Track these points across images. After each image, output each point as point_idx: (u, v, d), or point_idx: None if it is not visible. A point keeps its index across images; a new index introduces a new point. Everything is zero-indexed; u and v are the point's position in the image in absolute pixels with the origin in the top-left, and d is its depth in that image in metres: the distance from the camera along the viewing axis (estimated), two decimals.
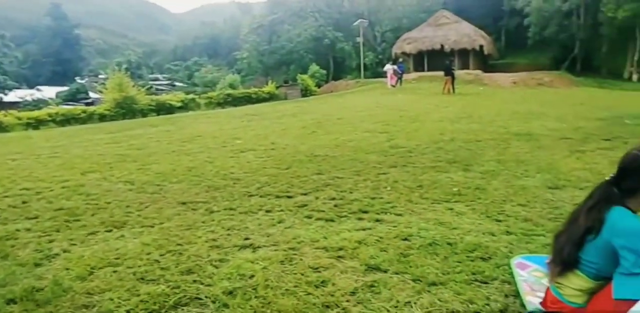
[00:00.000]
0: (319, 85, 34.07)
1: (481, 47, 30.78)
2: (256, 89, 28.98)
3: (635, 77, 29.98)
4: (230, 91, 29.03)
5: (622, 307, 1.71)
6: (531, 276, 2.42)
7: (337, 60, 46.86)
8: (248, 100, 25.96)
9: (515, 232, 3.23)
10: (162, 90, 48.02)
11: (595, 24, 31.26)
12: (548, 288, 2.08)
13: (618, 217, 1.81)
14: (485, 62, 33.62)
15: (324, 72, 41.01)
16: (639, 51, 29.94)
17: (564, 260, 1.95)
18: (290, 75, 41.97)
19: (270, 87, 28.87)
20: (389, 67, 24.71)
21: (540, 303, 2.12)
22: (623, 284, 1.72)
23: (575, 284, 1.93)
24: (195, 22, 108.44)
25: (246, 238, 3.24)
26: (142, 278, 2.66)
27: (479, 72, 29.01)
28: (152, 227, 3.61)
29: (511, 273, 2.53)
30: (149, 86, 36.08)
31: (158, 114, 20.94)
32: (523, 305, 2.21)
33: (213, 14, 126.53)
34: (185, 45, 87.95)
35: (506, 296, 2.33)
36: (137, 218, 3.84)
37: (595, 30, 31.64)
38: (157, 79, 63.91)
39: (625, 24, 28.56)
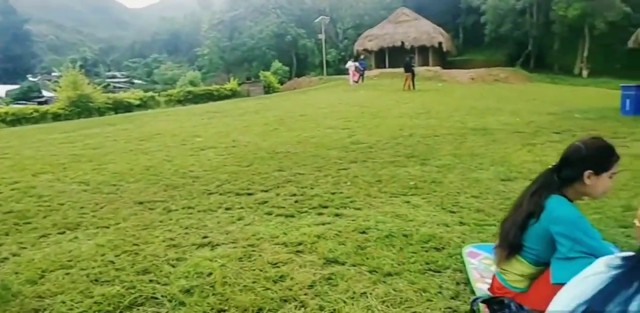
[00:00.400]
0: (281, 82, 33.95)
1: (440, 44, 31.48)
2: (218, 86, 28.59)
3: (584, 73, 31.41)
4: (191, 88, 28.50)
5: None
6: (481, 264, 2.53)
7: (300, 57, 46.79)
8: (209, 97, 25.59)
9: (468, 222, 3.35)
10: (120, 88, 46.62)
11: (548, 22, 32.54)
12: (494, 275, 2.18)
13: (555, 205, 1.92)
14: (444, 59, 34.40)
15: (287, 69, 40.87)
16: (587, 48, 31.39)
17: (510, 243, 2.04)
18: (252, 72, 41.53)
19: (232, 84, 28.54)
20: (351, 64, 24.90)
21: (488, 289, 2.21)
22: (560, 269, 1.82)
23: (518, 270, 2.03)
24: (154, 18, 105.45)
25: (204, 237, 3.22)
26: (96, 280, 2.60)
27: (438, 68, 29.65)
28: (108, 227, 3.53)
29: (463, 262, 2.63)
30: (106, 84, 34.94)
31: (116, 113, 20.35)
32: (473, 292, 2.31)
33: (172, 9, 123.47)
34: (144, 41, 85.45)
35: (457, 284, 2.42)
36: (92, 219, 3.74)
37: (547, 28, 32.93)
38: (114, 77, 61.97)
39: (575, 22, 29.88)
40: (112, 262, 2.84)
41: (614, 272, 1.13)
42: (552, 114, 10.45)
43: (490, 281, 2.26)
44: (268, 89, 29.46)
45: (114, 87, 45.09)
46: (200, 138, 8.40)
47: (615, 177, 1.95)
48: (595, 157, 1.92)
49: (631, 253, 1.21)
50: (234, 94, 26.97)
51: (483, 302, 2.01)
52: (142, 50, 78.54)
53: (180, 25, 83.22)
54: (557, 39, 32.93)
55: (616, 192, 3.81)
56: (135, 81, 58.97)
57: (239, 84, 29.38)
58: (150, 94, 25.10)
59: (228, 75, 40.09)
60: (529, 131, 7.80)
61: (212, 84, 32.23)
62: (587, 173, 1.89)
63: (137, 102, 22.44)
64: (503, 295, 2.02)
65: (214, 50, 49.18)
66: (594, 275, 1.17)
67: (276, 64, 39.49)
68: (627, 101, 10.38)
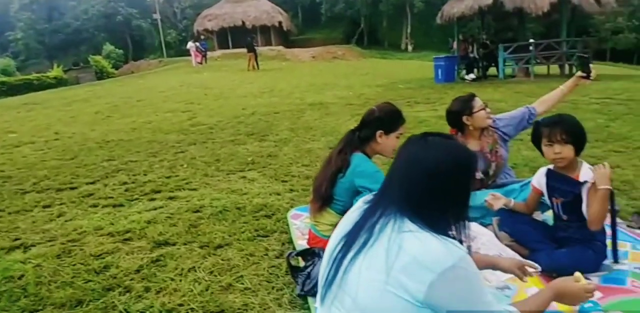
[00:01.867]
0: (116, 67, 31.15)
1: (280, 23, 31.88)
2: (39, 75, 25.06)
3: (410, 47, 34.94)
4: (4, 79, 24.52)
5: None
6: (302, 223, 2.75)
7: (136, 39, 43.32)
8: (29, 87, 22.29)
9: (297, 189, 3.57)
10: None
11: (376, 1, 35.17)
12: (309, 229, 2.40)
13: (358, 161, 2.18)
14: (287, 38, 35.04)
15: (121, 52, 37.58)
16: (410, 25, 34.86)
17: (322, 196, 2.25)
18: (81, 56, 37.19)
19: (56, 71, 25.25)
20: (191, 45, 23.92)
21: (307, 243, 2.42)
22: None
23: (328, 220, 2.26)
24: None
25: (16, 239, 2.89)
26: None
27: (281, 48, 30.16)
28: None
29: (288, 225, 2.82)
30: None
31: None
32: (295, 249, 2.50)
33: None
34: None
35: (283, 244, 2.60)
36: None
37: (376, 7, 35.63)
38: None
39: (397, 1, 32.82)
40: None
41: (366, 206, 1.33)
42: (380, 86, 11.49)
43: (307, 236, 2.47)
44: (101, 75, 26.79)
45: None
46: (14, 134, 7.36)
47: (401, 137, 2.26)
48: (385, 119, 2.23)
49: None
50: (59, 83, 23.89)
51: (297, 254, 2.20)
52: None
53: None
54: (385, 17, 35.86)
55: None
56: None
57: (65, 71, 26.14)
58: None
59: (51, 61, 35.36)
60: (359, 103, 8.47)
61: (32, 73, 28.08)
62: (379, 132, 2.19)
63: None
64: (316, 244, 2.24)
65: (29, 33, 42.73)
66: (353, 212, 1.37)
67: (108, 47, 36.04)
68: (439, 71, 11.90)
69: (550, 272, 2.06)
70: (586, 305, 1.74)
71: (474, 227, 2.50)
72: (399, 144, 2.30)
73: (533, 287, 1.97)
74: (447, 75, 11.85)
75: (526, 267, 1.60)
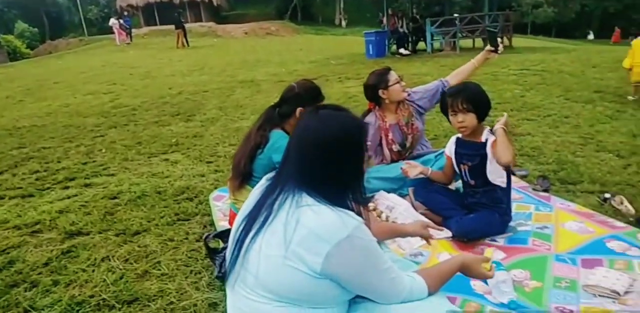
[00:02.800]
0: (31, 47, 28.70)
1: None
2: None
3: (343, 23, 34.78)
4: None
5: None
6: (225, 204, 2.69)
7: (52, 16, 39.95)
8: None
9: (222, 169, 3.48)
10: None
11: None
12: (230, 208, 2.35)
13: (276, 138, 2.14)
14: (218, 14, 33.68)
15: (37, 30, 34.61)
16: (343, 0, 34.65)
17: (242, 173, 2.20)
18: None
19: None
20: (114, 22, 22.35)
21: (228, 223, 2.38)
22: None
23: (246, 197, 2.22)
24: None
25: None
26: None
27: (212, 24, 28.97)
28: None
29: (210, 206, 2.75)
30: None
31: None
32: (216, 230, 2.44)
33: None
34: None
35: (204, 227, 2.54)
36: None
37: None
38: None
39: None
40: None
41: (268, 183, 1.31)
42: (313, 62, 11.39)
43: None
44: (14, 56, 24.61)
45: None
46: None
47: None
48: (305, 95, 2.19)
49: None
50: None
51: (216, 236, 2.15)
52: None
53: None
54: None
55: None
56: None
57: None
58: None
59: None
60: (291, 80, 8.30)
61: None
62: (298, 109, 2.14)
63: None
64: None
65: None
66: (257, 189, 1.35)
67: (21, 25, 33.11)
68: (370, 46, 11.95)
69: (461, 237, 2.16)
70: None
71: (392, 198, 2.57)
72: None
73: (444, 252, 2.06)
74: (378, 51, 11.93)
75: (431, 228, 1.65)
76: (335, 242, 1.06)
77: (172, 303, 1.86)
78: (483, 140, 2.16)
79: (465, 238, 2.14)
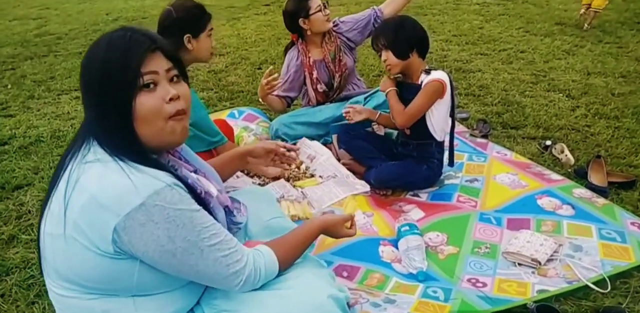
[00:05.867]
0: None
1: None
2: None
3: None
4: None
5: None
6: None
7: None
8: None
9: None
10: None
11: None
12: None
13: None
14: None
15: None
16: None
17: None
18: None
19: None
20: None
21: None
22: None
23: None
24: None
25: None
26: None
27: None
28: None
29: None
30: None
31: None
32: None
33: None
34: None
35: None
36: None
37: None
38: None
39: None
40: None
41: None
42: None
43: None
44: None
45: None
46: None
47: (213, 33, 1.83)
48: (187, 19, 1.75)
49: None
50: None
51: None
52: None
53: None
54: None
55: None
56: None
57: None
58: None
59: None
60: (241, 5, 7.60)
61: None
62: (186, 37, 1.73)
63: None
64: None
65: None
66: None
67: None
68: None
69: (379, 185, 1.92)
70: (403, 229, 1.61)
71: (315, 146, 2.28)
72: (215, 43, 1.90)
73: (358, 210, 1.82)
74: None
75: (281, 148, 1.38)
76: (125, 212, 0.78)
77: (33, 277, 1.58)
78: (419, 82, 1.83)
79: (384, 186, 1.91)
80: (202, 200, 0.95)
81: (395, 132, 2.13)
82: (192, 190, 0.90)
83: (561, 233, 1.61)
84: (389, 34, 1.78)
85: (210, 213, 0.94)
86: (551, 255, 1.49)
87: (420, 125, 1.87)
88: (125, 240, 0.80)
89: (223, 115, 2.64)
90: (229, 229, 1.11)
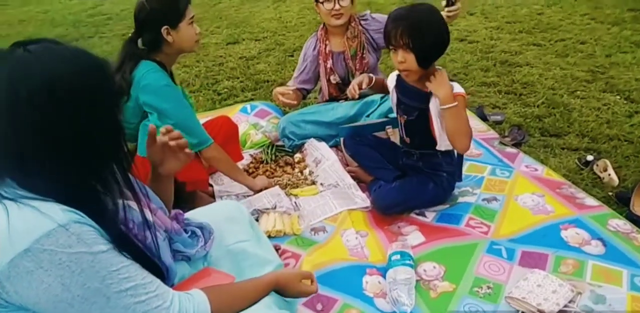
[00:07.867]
0: None
1: None
2: None
3: None
4: None
5: None
6: None
7: None
8: None
9: None
10: None
11: None
12: None
13: (143, 72, 1.64)
14: None
15: None
16: None
17: None
18: None
19: None
20: None
21: None
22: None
23: None
24: None
25: None
26: None
27: None
28: None
29: None
30: None
31: None
32: None
33: None
34: None
35: None
36: None
37: None
38: None
39: None
40: None
41: None
42: None
43: None
44: None
45: None
46: None
47: (195, 19, 1.68)
48: (162, 9, 1.61)
49: None
50: None
51: None
52: None
53: None
54: None
55: None
56: None
57: None
58: None
59: None
60: None
61: None
62: (164, 30, 1.61)
63: None
64: None
65: None
66: None
67: None
68: None
69: (379, 211, 1.72)
70: (393, 258, 1.42)
71: (322, 149, 2.11)
72: (199, 30, 1.75)
73: (352, 228, 1.64)
74: None
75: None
76: (7, 260, 0.69)
77: None
78: (428, 90, 1.57)
79: (387, 213, 1.70)
80: (134, 235, 0.84)
81: None
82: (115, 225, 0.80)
83: (583, 277, 1.35)
84: (416, 33, 1.44)
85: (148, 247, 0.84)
86: (564, 306, 1.25)
87: (419, 134, 1.64)
88: (11, 291, 0.71)
89: (234, 110, 2.52)
90: (174, 256, 1.00)
